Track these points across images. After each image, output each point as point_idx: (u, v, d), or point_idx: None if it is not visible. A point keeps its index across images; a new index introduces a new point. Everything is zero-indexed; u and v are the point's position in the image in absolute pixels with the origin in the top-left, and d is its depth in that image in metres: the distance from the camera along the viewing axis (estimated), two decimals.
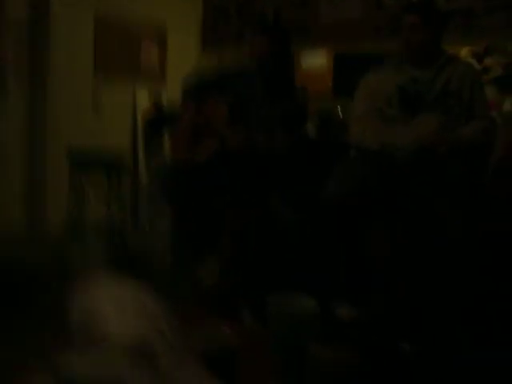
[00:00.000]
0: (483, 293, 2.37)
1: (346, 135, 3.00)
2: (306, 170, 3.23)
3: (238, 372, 1.28)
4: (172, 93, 5.23)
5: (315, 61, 5.06)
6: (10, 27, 4.45)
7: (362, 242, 2.62)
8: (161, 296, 1.07)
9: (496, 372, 1.90)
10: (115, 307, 0.91)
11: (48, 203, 4.62)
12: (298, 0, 4.97)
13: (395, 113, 2.69)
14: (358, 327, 1.61)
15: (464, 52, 3.95)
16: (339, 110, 4.36)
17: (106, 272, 1.13)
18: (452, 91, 2.62)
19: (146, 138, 5.17)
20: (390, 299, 2.40)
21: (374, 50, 4.36)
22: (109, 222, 4.28)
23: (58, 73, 4.66)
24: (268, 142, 2.94)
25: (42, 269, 3.56)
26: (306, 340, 1.16)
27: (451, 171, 2.52)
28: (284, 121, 2.96)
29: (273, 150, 2.95)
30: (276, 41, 2.98)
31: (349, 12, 4.68)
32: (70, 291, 1.04)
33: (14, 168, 4.62)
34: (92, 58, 4.96)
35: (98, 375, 0.81)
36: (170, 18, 5.43)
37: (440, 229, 2.42)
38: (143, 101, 5.37)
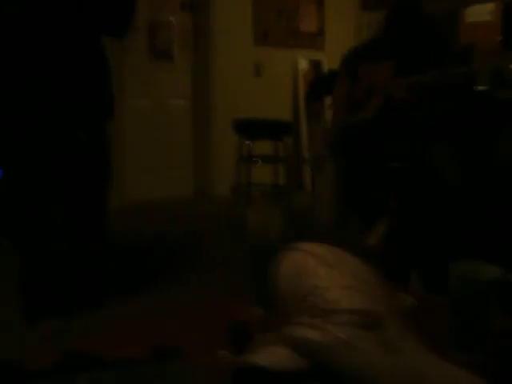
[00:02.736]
0: None
1: None
2: (474, 129, 3.13)
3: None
4: (331, 56, 5.25)
5: (481, 14, 4.82)
6: None
7: None
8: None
9: None
10: (333, 272, 0.90)
11: (216, 166, 4.92)
12: None
13: None
14: None
15: None
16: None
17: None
18: None
19: (308, 103, 5.26)
20: None
21: None
22: (275, 184, 4.43)
23: (219, 39, 4.89)
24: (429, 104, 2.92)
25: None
26: (489, 308, 1.17)
27: None
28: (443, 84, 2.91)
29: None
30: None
31: None
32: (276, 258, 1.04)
33: (184, 131, 4.98)
34: (251, 24, 5.12)
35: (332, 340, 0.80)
36: None
37: None
38: (303, 66, 5.44)
